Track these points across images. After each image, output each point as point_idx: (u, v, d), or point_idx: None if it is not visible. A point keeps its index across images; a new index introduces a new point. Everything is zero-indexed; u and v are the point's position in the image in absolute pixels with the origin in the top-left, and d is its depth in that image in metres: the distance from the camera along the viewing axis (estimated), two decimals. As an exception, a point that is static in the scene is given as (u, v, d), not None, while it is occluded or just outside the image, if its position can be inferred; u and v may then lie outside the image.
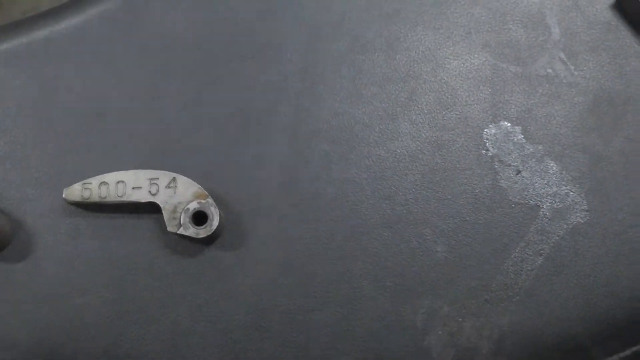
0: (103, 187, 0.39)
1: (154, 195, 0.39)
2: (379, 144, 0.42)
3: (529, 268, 0.40)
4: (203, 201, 0.38)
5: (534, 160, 0.41)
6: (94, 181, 0.39)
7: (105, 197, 0.39)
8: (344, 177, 0.41)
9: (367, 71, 0.43)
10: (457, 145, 0.42)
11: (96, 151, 0.41)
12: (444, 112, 0.42)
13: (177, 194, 0.39)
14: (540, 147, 0.42)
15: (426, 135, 0.42)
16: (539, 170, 0.41)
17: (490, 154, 0.42)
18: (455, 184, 0.41)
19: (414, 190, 0.41)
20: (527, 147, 0.42)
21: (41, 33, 0.44)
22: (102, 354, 0.39)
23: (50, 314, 0.39)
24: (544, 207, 0.40)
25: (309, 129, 0.42)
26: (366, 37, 0.44)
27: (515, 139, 0.42)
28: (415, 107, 0.43)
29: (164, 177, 0.39)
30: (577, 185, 0.41)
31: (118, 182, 0.39)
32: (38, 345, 0.39)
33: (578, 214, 0.40)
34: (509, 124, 0.42)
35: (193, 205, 0.38)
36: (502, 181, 0.41)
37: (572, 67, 0.43)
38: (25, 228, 0.40)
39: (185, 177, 0.39)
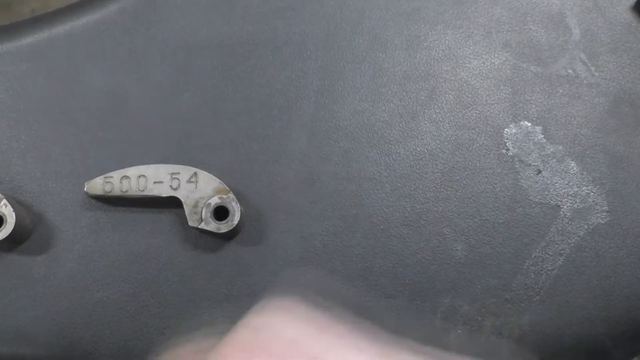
0: (124, 181, 0.39)
1: (175, 189, 0.39)
2: (399, 142, 0.42)
3: (550, 268, 0.39)
4: (224, 196, 0.38)
5: (554, 160, 0.41)
6: (116, 175, 0.39)
7: (126, 191, 0.39)
8: (363, 174, 0.41)
9: (387, 69, 0.43)
10: (478, 145, 0.42)
11: (117, 145, 0.42)
12: (464, 111, 0.42)
13: (198, 188, 0.39)
14: (560, 147, 0.42)
15: (446, 134, 0.42)
16: (560, 170, 0.41)
17: (511, 154, 0.42)
18: (475, 183, 0.41)
19: (433, 188, 0.41)
20: (548, 147, 0.42)
21: (62, 28, 0.44)
22: (121, 348, 0.39)
23: (70, 308, 0.39)
24: (565, 207, 0.40)
25: (329, 126, 0.42)
26: (386, 35, 0.44)
27: (536, 139, 0.42)
28: (436, 106, 0.43)
29: (185, 171, 0.39)
30: (598, 186, 0.41)
31: (139, 176, 0.39)
32: (57, 339, 0.39)
33: (599, 215, 0.40)
34: (530, 124, 0.42)
35: (214, 200, 0.38)
36: (522, 181, 0.41)
37: (593, 68, 0.43)
38: (46, 221, 0.40)
39: (206, 172, 0.39)
